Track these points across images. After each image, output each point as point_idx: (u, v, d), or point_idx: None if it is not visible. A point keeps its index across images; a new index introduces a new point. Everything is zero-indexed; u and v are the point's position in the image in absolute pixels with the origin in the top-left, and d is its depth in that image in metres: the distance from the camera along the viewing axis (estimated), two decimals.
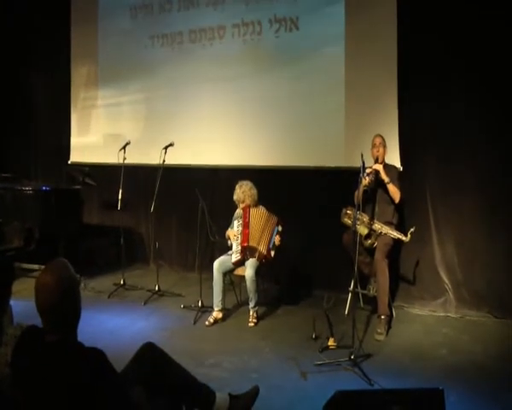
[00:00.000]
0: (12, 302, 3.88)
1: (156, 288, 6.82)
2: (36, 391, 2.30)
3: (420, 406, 2.71)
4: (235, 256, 6.00)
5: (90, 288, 7.13)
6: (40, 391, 2.29)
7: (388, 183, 5.74)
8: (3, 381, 2.48)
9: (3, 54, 9.32)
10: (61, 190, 7.87)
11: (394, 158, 6.32)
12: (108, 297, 6.82)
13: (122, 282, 7.06)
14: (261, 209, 6.12)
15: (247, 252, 5.99)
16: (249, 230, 5.99)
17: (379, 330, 5.47)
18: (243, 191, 6.15)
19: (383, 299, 5.61)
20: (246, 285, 5.87)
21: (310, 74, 7.01)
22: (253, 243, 5.96)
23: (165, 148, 6.71)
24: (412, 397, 2.77)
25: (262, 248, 5.94)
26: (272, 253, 6.03)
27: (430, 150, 6.36)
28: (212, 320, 5.87)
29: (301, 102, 7.07)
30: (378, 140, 5.95)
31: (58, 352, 2.37)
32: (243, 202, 6.15)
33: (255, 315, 5.88)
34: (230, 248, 6.13)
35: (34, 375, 2.35)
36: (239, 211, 6.19)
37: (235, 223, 6.15)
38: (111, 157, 7.27)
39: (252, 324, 5.82)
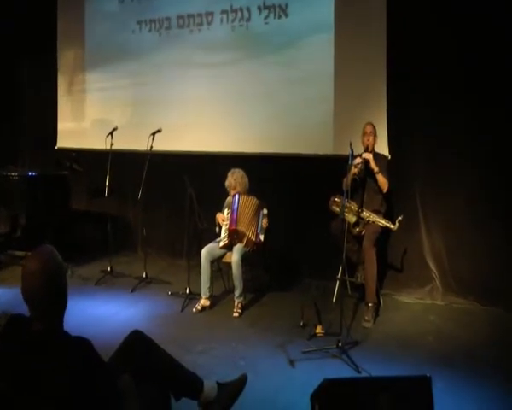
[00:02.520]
0: None
1: (144, 275, 6.80)
2: (21, 381, 2.28)
3: (408, 393, 2.71)
4: (222, 241, 6.00)
5: (77, 275, 7.10)
6: (26, 381, 2.27)
7: (377, 173, 5.73)
8: None
9: None
10: (47, 175, 7.80)
11: (383, 146, 6.31)
12: (95, 284, 6.79)
13: (109, 269, 7.03)
14: (251, 197, 6.11)
15: (234, 236, 5.97)
16: (237, 214, 5.98)
17: (366, 318, 5.49)
18: (235, 178, 6.15)
19: (371, 286, 5.63)
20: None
21: (299, 61, 6.98)
22: (240, 228, 5.95)
23: (153, 134, 6.67)
24: (400, 385, 2.77)
25: (251, 235, 5.93)
26: (262, 237, 6.02)
27: (418, 139, 6.36)
28: (199, 308, 5.87)
29: (290, 89, 7.04)
30: (369, 128, 5.93)
31: (44, 341, 2.35)
32: (234, 188, 6.14)
33: (240, 305, 5.86)
34: (218, 235, 6.12)
35: (19, 364, 2.33)
36: (229, 199, 6.18)
37: (226, 211, 6.13)
38: (98, 143, 7.21)
39: (236, 314, 5.79)
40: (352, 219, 5.72)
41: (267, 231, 6.07)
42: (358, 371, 4.35)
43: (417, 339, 5.16)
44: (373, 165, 5.73)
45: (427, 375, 2.76)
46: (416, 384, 2.77)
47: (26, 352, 2.34)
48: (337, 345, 4.67)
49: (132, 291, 6.51)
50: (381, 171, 5.75)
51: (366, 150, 5.84)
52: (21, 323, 2.46)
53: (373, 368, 4.33)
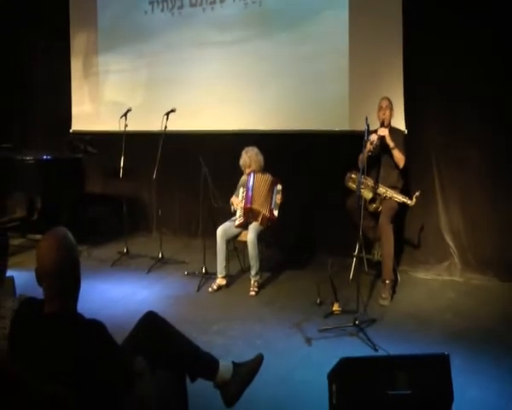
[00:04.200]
0: (15, 273, 3.88)
1: (159, 255, 6.80)
2: (34, 364, 2.27)
3: (425, 371, 2.68)
4: (238, 220, 5.97)
5: (93, 257, 7.12)
6: (39, 364, 2.27)
7: (393, 148, 5.66)
8: (2, 354, 2.45)
9: (0, 23, 9.20)
10: (62, 159, 7.82)
11: (399, 121, 6.23)
12: (112, 266, 6.80)
13: (125, 250, 7.04)
14: (266, 175, 6.07)
15: (249, 215, 5.94)
16: (253, 193, 5.95)
17: (383, 295, 5.44)
18: (249, 156, 6.11)
19: (388, 263, 5.57)
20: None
21: (313, 37, 6.89)
22: (256, 206, 5.92)
23: (167, 114, 6.63)
24: (418, 363, 2.75)
25: (265, 211, 5.90)
26: (276, 212, 5.98)
27: (436, 113, 6.28)
28: (215, 287, 5.87)
29: (305, 66, 6.96)
30: (385, 103, 5.85)
31: (57, 323, 2.34)
32: (249, 166, 6.10)
33: (256, 284, 5.84)
34: (234, 214, 6.10)
35: (32, 347, 2.33)
36: (244, 177, 6.14)
37: (241, 190, 6.10)
38: (112, 125, 7.18)
39: (253, 293, 5.78)
40: (368, 195, 5.66)
41: (282, 208, 6.03)
42: (375, 350, 4.31)
43: (435, 316, 5.11)
44: (389, 141, 5.65)
45: (446, 353, 2.73)
46: (434, 362, 2.75)
47: (38, 334, 2.34)
48: (354, 323, 4.64)
49: (148, 272, 6.51)
50: (397, 146, 5.67)
51: (382, 125, 5.77)
52: (34, 305, 2.45)
53: (390, 346, 4.29)
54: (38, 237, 7.43)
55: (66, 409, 2.18)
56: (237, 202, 6.06)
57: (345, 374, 2.77)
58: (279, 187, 6.04)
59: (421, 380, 2.66)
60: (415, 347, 4.34)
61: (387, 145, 5.68)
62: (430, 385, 2.66)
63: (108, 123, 7.91)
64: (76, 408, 2.19)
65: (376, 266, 6.01)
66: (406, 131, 6.23)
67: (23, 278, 4.13)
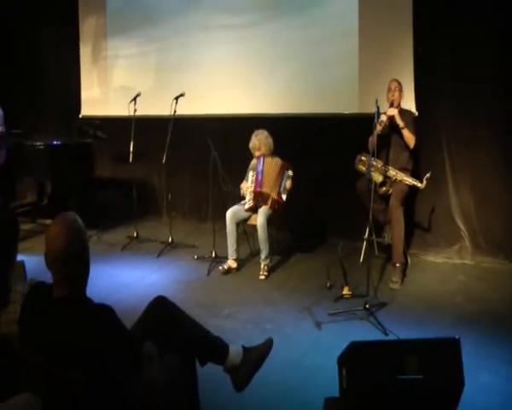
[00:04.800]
0: (25, 258, 3.90)
1: (169, 239, 6.80)
2: (44, 348, 2.28)
3: (436, 356, 2.67)
4: (248, 203, 5.97)
5: (103, 241, 7.14)
6: (48, 348, 2.27)
7: (403, 128, 5.62)
8: (12, 338, 2.46)
9: (10, 9, 9.18)
10: (71, 144, 7.84)
11: (410, 103, 6.19)
12: (122, 250, 6.82)
13: (135, 234, 7.05)
14: (276, 159, 6.05)
15: (259, 198, 5.93)
16: (263, 176, 5.94)
17: (394, 279, 5.43)
18: (259, 139, 6.09)
19: (398, 247, 5.55)
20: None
21: (323, 20, 6.85)
22: (265, 190, 5.90)
23: (176, 98, 6.61)
24: (428, 347, 2.73)
25: (274, 194, 5.88)
26: (284, 196, 5.96)
27: (446, 95, 6.23)
28: (226, 267, 5.88)
29: (314, 49, 6.92)
30: (394, 84, 5.81)
31: (66, 308, 2.35)
32: (259, 149, 6.08)
33: (266, 268, 5.83)
34: (243, 198, 6.08)
35: (42, 331, 2.33)
36: (254, 161, 6.13)
37: (250, 174, 6.08)
38: (122, 110, 7.17)
39: (263, 277, 5.78)
40: (378, 178, 5.63)
41: (291, 191, 6.00)
42: (386, 334, 4.30)
43: (445, 300, 5.09)
44: (398, 120, 5.62)
45: (456, 337, 2.71)
46: (445, 346, 2.74)
47: (47, 319, 2.34)
48: (364, 307, 4.62)
49: (158, 256, 6.52)
50: (407, 126, 5.63)
51: (391, 106, 5.72)
52: (43, 290, 2.46)
53: (400, 330, 4.27)
54: (48, 221, 7.47)
55: (75, 392, 2.19)
56: (246, 186, 6.04)
57: (355, 358, 2.76)
58: (290, 173, 6.01)
59: (432, 365, 2.64)
60: (425, 331, 4.33)
61: (397, 125, 5.64)
62: (441, 370, 2.64)
63: (118, 108, 7.90)
64: (85, 392, 2.20)
65: (386, 250, 6.00)
66: (417, 113, 6.18)
67: (33, 262, 4.14)
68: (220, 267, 5.89)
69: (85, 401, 2.21)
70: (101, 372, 2.28)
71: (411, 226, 6.29)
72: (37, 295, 2.49)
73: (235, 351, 3.07)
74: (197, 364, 3.04)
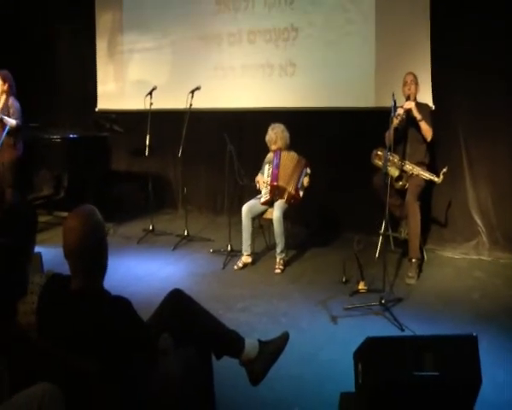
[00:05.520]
0: (42, 250, 3.93)
1: (185, 233, 6.81)
2: (61, 339, 2.30)
3: (453, 353, 2.65)
4: (264, 197, 5.96)
5: (119, 234, 7.17)
6: (66, 339, 2.29)
7: (420, 120, 5.58)
8: (30, 329, 2.48)
9: (27, 4, 9.23)
10: (88, 137, 7.89)
11: (426, 97, 6.14)
12: (138, 243, 6.84)
13: (151, 227, 7.07)
14: (292, 153, 6.04)
15: (276, 192, 5.93)
16: (279, 170, 5.93)
17: (410, 274, 5.40)
18: (275, 133, 6.09)
19: (414, 242, 5.52)
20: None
21: (338, 12, 6.79)
22: (282, 184, 5.89)
23: (192, 91, 6.62)
24: (445, 343, 2.71)
25: (291, 189, 5.87)
26: (301, 193, 5.95)
27: (463, 88, 6.16)
28: (241, 265, 5.88)
29: (330, 42, 6.87)
30: (409, 78, 5.77)
31: (83, 299, 2.36)
32: (275, 143, 6.08)
33: (282, 262, 5.83)
34: (259, 192, 6.08)
35: (59, 322, 2.35)
36: (270, 155, 6.12)
37: (266, 167, 6.08)
38: (138, 103, 7.18)
39: (278, 271, 5.77)
40: (394, 172, 5.59)
41: (307, 190, 5.99)
42: (402, 330, 4.28)
43: (462, 296, 5.05)
44: (415, 113, 5.57)
45: (474, 334, 2.69)
46: (462, 343, 2.71)
47: (65, 310, 2.36)
48: (380, 302, 4.60)
49: (174, 249, 6.54)
50: (424, 119, 5.59)
51: (407, 100, 5.68)
52: (61, 281, 2.48)
53: (416, 326, 4.26)
54: (65, 214, 7.51)
55: (92, 383, 2.20)
56: (263, 179, 6.04)
57: (371, 354, 2.75)
58: (308, 170, 6.00)
59: (449, 362, 2.62)
60: (441, 327, 4.30)
61: (414, 119, 5.61)
62: (458, 367, 2.63)
63: (133, 101, 7.90)
64: (102, 383, 2.21)
65: (403, 245, 5.97)
66: (433, 107, 6.14)
67: (50, 254, 4.18)
68: (235, 266, 5.89)
69: (102, 392, 2.22)
70: (118, 364, 2.29)
71: (428, 221, 6.26)
72: (54, 286, 2.51)
73: (251, 345, 3.07)
74: (213, 357, 3.05)
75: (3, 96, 6.80)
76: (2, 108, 6.75)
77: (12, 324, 2.59)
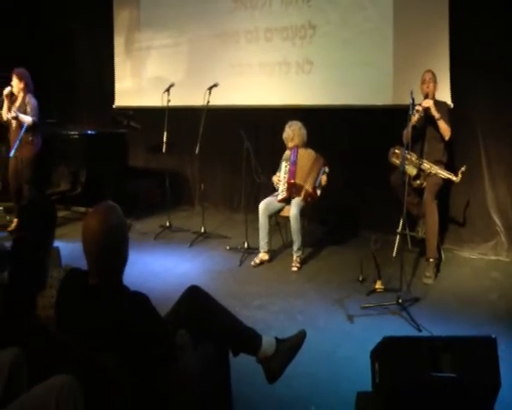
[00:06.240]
0: (60, 244, 3.95)
1: (202, 230, 6.83)
2: (80, 333, 2.31)
3: (471, 354, 2.63)
4: (281, 194, 5.96)
5: (136, 230, 7.20)
6: (84, 333, 2.30)
7: (439, 119, 5.54)
8: (49, 322, 2.50)
9: (46, 2, 9.30)
10: (105, 133, 7.94)
11: (445, 95, 6.09)
12: (154, 239, 6.87)
13: (168, 224, 7.09)
14: (309, 151, 6.03)
15: (293, 190, 5.92)
16: (296, 168, 5.92)
17: (427, 274, 5.37)
18: (292, 130, 6.07)
19: (432, 241, 5.48)
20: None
21: (356, 10, 6.76)
22: (299, 181, 5.89)
23: (210, 88, 6.63)
24: (463, 345, 2.69)
25: (308, 186, 5.86)
26: (318, 192, 5.95)
27: (482, 86, 6.09)
28: (258, 261, 5.88)
29: (348, 40, 6.84)
30: (428, 76, 5.73)
31: (101, 295, 2.38)
32: (292, 140, 6.06)
33: (298, 260, 5.82)
34: (276, 189, 6.08)
35: (78, 317, 2.37)
36: (287, 152, 6.11)
37: (283, 164, 6.07)
38: (155, 100, 7.21)
39: (295, 268, 5.77)
40: (412, 171, 5.57)
41: (324, 189, 5.98)
42: (419, 330, 4.26)
43: (480, 297, 5.01)
44: (434, 111, 5.53)
45: (493, 336, 2.67)
46: (481, 345, 2.69)
47: (83, 305, 2.38)
48: (397, 301, 4.57)
49: (190, 246, 6.55)
50: (442, 117, 5.55)
51: (426, 98, 5.64)
52: (79, 276, 2.49)
53: (433, 326, 4.23)
54: (82, 209, 7.59)
55: (110, 377, 2.22)
56: (279, 177, 6.03)
57: (388, 353, 2.74)
58: (327, 169, 5.99)
59: (467, 363, 2.60)
60: (459, 328, 4.27)
61: (432, 117, 5.57)
62: (476, 369, 2.60)
63: (151, 98, 7.95)
64: (119, 377, 2.23)
65: (420, 244, 5.93)
66: (452, 105, 6.09)
67: (67, 249, 4.22)
68: (252, 262, 5.90)
69: (120, 386, 2.23)
70: (136, 359, 2.30)
71: (446, 221, 6.21)
72: (73, 280, 2.53)
73: (268, 342, 3.07)
74: (230, 354, 3.06)
75: (21, 94, 6.89)
76: (20, 106, 6.84)
77: (31, 317, 2.61)
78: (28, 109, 6.82)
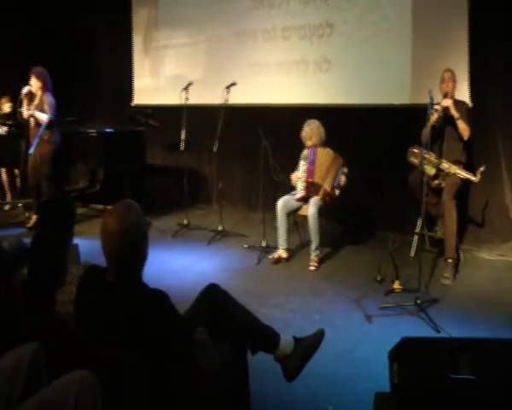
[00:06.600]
0: (79, 241, 3.97)
1: (220, 228, 6.83)
2: (99, 330, 2.32)
3: (491, 357, 2.60)
4: (299, 193, 5.96)
5: (154, 227, 7.21)
6: (103, 330, 2.32)
7: (458, 119, 5.50)
8: (68, 318, 2.52)
9: (66, 1, 9.37)
10: (124, 131, 7.98)
11: (464, 94, 6.05)
12: (172, 237, 6.89)
13: (186, 222, 7.11)
14: (328, 150, 6.02)
15: (311, 188, 5.91)
16: (314, 167, 5.91)
17: (446, 275, 5.33)
18: (311, 128, 6.07)
19: (450, 242, 5.45)
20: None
21: (374, 9, 6.73)
22: (317, 180, 5.88)
23: (228, 87, 6.64)
24: (482, 347, 2.66)
25: (326, 186, 5.85)
26: (337, 192, 5.93)
27: (501, 85, 6.05)
28: (276, 256, 5.89)
29: (366, 38, 6.81)
30: (447, 75, 5.69)
31: (120, 291, 2.39)
32: (310, 139, 6.05)
33: (316, 259, 5.81)
34: (294, 188, 6.07)
35: (97, 313, 2.38)
36: (305, 151, 6.10)
37: (301, 163, 6.06)
38: (173, 98, 7.24)
39: (312, 267, 5.76)
40: (430, 171, 5.53)
41: (343, 189, 5.97)
42: (437, 331, 4.23)
43: (499, 298, 4.96)
44: (453, 111, 5.49)
45: None
46: (501, 348, 2.66)
47: (102, 302, 2.39)
48: (415, 302, 4.54)
49: (208, 244, 6.56)
50: (461, 117, 5.51)
51: (445, 98, 5.60)
52: (98, 273, 2.50)
53: (452, 328, 4.21)
54: (100, 207, 7.63)
55: (127, 374, 2.23)
56: (297, 176, 6.02)
57: (407, 354, 2.72)
58: (345, 170, 5.98)
59: (487, 366, 2.58)
60: (477, 329, 4.24)
61: (451, 117, 5.53)
62: (496, 372, 2.58)
63: (169, 96, 7.97)
64: (137, 375, 2.23)
65: (438, 244, 5.89)
66: (471, 104, 6.04)
67: (86, 246, 4.24)
68: (270, 256, 5.91)
69: (138, 383, 2.24)
70: (154, 357, 2.31)
71: (464, 221, 6.16)
72: (92, 277, 2.54)
73: (286, 341, 3.06)
74: (248, 352, 3.06)
75: (39, 93, 6.97)
76: (37, 104, 6.93)
77: (50, 313, 2.63)
78: (45, 107, 6.90)
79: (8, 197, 8.39)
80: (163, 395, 2.37)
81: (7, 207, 8.25)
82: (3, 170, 8.30)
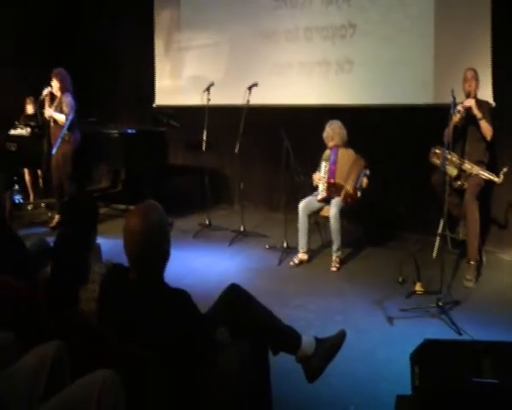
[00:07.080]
0: (101, 241, 4.00)
1: (241, 228, 6.85)
2: (121, 328, 2.34)
3: None
4: (321, 194, 5.95)
5: (175, 227, 7.25)
6: (125, 328, 2.33)
7: (481, 119, 5.45)
8: (91, 315, 2.55)
9: (88, 2, 9.46)
10: (145, 132, 8.03)
11: (487, 93, 5.99)
12: (194, 237, 6.92)
13: (207, 222, 7.13)
14: (349, 150, 6.01)
15: (333, 189, 5.90)
16: (336, 167, 5.90)
17: (468, 277, 5.29)
18: (333, 129, 6.06)
19: (473, 243, 5.40)
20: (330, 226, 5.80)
21: (396, 8, 6.70)
22: (339, 181, 5.87)
23: (250, 88, 6.65)
24: (505, 350, 2.64)
25: (348, 187, 5.84)
26: (359, 193, 5.92)
27: None
28: (296, 261, 5.88)
29: (388, 37, 6.78)
30: (470, 74, 5.63)
31: (141, 290, 2.40)
32: (332, 139, 6.05)
33: (338, 260, 5.80)
34: (316, 189, 6.06)
35: (120, 312, 2.40)
36: (327, 152, 6.09)
37: (323, 164, 6.05)
38: (195, 99, 7.27)
39: (334, 268, 5.75)
40: (453, 172, 5.49)
41: (364, 191, 5.96)
42: (459, 333, 4.20)
43: None
44: (476, 111, 5.44)
45: None
46: None
47: (125, 300, 2.41)
48: (437, 304, 4.52)
49: (230, 244, 6.58)
50: (484, 117, 5.46)
51: (468, 97, 5.55)
52: (121, 272, 2.53)
53: (474, 330, 4.17)
54: (122, 206, 7.69)
55: (149, 373, 2.24)
56: (319, 177, 6.01)
57: (428, 356, 2.70)
58: (368, 172, 5.96)
59: (509, 369, 2.55)
60: (500, 332, 4.19)
61: (474, 117, 5.48)
62: None
63: (190, 97, 8.01)
64: (159, 373, 2.25)
65: (460, 246, 5.84)
66: (494, 104, 5.98)
67: (108, 245, 4.26)
68: (291, 262, 5.90)
69: (159, 381, 2.25)
70: (175, 355, 2.33)
71: (487, 222, 6.10)
72: (114, 276, 2.57)
73: (307, 341, 3.07)
74: (269, 353, 3.06)
75: (59, 93, 7.05)
76: (57, 105, 7.02)
77: (73, 311, 2.66)
78: (64, 108, 6.98)
79: (32, 197, 8.50)
80: (182, 394, 2.38)
81: (30, 207, 8.37)
82: (26, 170, 8.41)
